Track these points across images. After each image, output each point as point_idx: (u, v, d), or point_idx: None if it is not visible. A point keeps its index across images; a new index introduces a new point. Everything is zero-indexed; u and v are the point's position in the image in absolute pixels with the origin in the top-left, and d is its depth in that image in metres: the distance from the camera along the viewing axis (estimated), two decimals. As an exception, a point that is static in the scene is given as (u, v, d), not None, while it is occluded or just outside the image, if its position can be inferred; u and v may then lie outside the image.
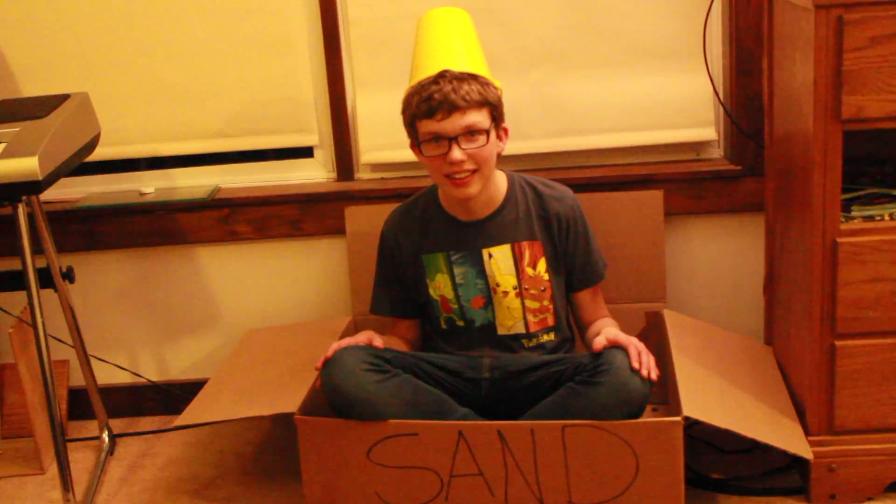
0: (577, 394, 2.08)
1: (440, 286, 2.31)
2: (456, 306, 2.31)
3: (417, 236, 2.33)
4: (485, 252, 2.28)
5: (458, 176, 2.17)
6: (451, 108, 2.12)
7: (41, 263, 2.41)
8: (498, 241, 2.28)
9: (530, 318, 2.30)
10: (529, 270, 2.28)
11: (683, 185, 2.65)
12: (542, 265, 2.29)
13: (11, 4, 2.71)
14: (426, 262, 2.32)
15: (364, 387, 2.10)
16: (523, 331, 2.30)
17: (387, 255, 2.37)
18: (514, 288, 2.28)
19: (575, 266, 2.31)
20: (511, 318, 2.29)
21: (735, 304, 2.73)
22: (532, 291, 2.29)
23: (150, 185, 2.85)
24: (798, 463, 2.24)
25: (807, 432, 2.19)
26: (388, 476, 2.13)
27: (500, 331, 2.31)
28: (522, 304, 2.29)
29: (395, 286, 2.37)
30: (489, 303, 2.29)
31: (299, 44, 2.71)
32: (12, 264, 2.37)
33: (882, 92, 2.00)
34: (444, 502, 2.12)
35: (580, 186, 2.40)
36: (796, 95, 2.17)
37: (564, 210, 2.29)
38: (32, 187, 2.13)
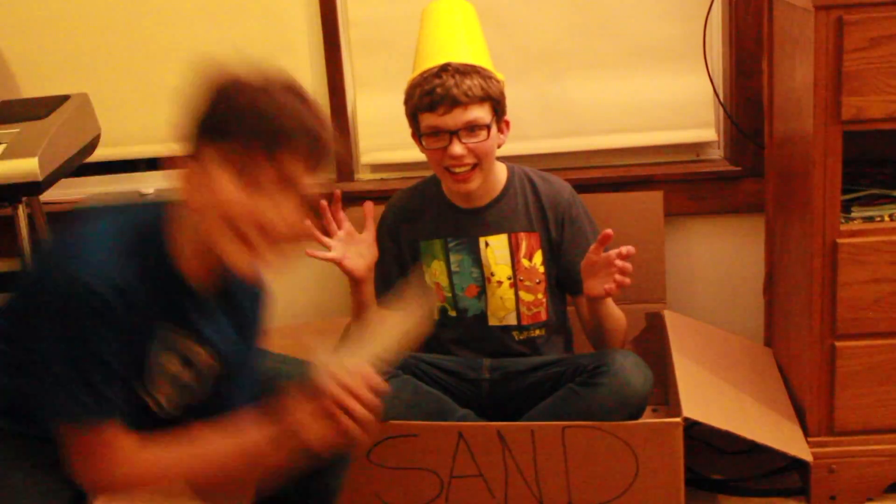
0: (577, 395, 2.08)
1: (435, 273, 2.31)
2: (449, 294, 2.31)
3: (417, 221, 2.33)
4: (482, 240, 2.28)
5: (457, 170, 2.18)
6: (453, 103, 2.13)
7: (41, 264, 2.41)
8: (495, 231, 2.28)
9: (523, 310, 2.29)
10: (525, 262, 2.28)
11: (683, 185, 2.65)
12: (538, 257, 2.29)
13: (11, 4, 2.70)
14: (423, 248, 2.32)
15: (364, 387, 2.10)
16: (515, 322, 2.30)
17: (382, 238, 2.34)
18: (509, 278, 2.28)
19: (574, 264, 2.27)
20: (504, 308, 2.29)
21: (735, 304, 2.73)
22: (527, 283, 2.28)
23: (149, 185, 2.85)
24: (798, 464, 2.24)
25: (807, 433, 2.19)
26: (387, 477, 2.13)
27: (492, 321, 2.30)
28: (516, 295, 2.29)
29: (381, 269, 2.34)
30: (482, 292, 2.29)
31: (299, 44, 2.71)
32: (12, 264, 2.37)
33: (882, 93, 2.00)
34: (444, 503, 2.12)
35: (580, 187, 2.39)
36: (796, 96, 2.17)
37: (560, 202, 2.28)
38: (32, 188, 2.13)
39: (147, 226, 1.49)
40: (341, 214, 2.14)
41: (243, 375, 1.67)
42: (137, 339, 1.49)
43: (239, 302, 1.64)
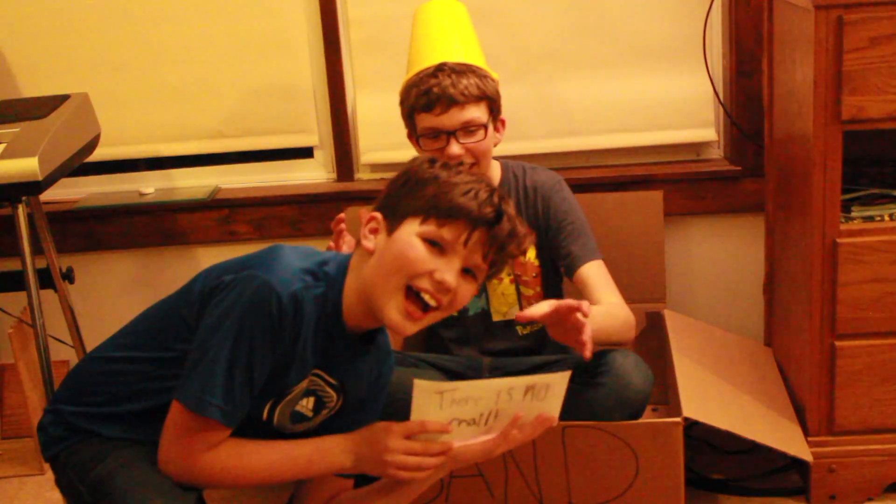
0: (578, 395, 2.08)
1: None
2: None
3: None
4: None
5: None
6: (450, 102, 2.12)
7: (41, 264, 2.41)
8: None
9: (525, 304, 2.29)
10: (521, 257, 2.28)
11: (683, 185, 2.65)
12: (531, 251, 2.28)
13: (11, 4, 2.71)
14: None
15: (364, 387, 2.11)
16: None
17: None
18: (509, 274, 2.28)
19: (561, 246, 2.24)
20: (506, 303, 2.29)
21: (735, 304, 2.73)
22: (524, 278, 2.29)
23: (149, 185, 2.85)
24: (798, 463, 2.24)
25: (806, 433, 2.19)
26: (388, 476, 2.12)
27: (495, 317, 2.30)
28: (517, 290, 2.29)
29: None
30: (483, 290, 2.29)
31: (299, 44, 2.71)
32: (12, 264, 2.37)
33: (882, 92, 2.00)
34: (444, 503, 2.12)
35: (580, 187, 2.40)
36: (796, 96, 2.17)
37: (543, 183, 2.26)
38: (32, 188, 2.13)
39: (335, 265, 1.66)
40: (342, 227, 2.16)
41: (351, 416, 1.76)
42: (284, 364, 1.60)
43: (377, 354, 1.77)
